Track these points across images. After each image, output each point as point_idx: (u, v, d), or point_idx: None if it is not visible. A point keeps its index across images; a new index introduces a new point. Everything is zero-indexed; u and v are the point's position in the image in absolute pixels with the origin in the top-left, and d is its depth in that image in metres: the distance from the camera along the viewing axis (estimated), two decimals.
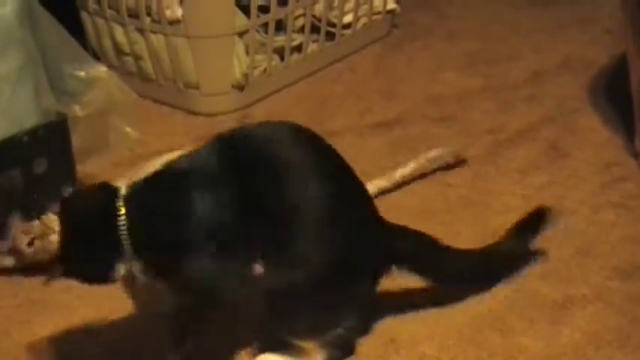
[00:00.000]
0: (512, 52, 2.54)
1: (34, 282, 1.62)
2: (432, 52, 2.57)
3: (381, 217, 1.52)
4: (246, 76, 2.33)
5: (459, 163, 2.04)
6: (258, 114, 2.32)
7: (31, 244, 1.52)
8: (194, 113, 2.33)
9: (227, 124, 2.29)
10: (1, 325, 1.64)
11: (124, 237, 1.31)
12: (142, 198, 1.34)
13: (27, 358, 1.56)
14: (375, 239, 1.48)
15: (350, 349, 1.49)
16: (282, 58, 2.41)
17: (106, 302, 1.61)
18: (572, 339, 1.55)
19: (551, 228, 1.73)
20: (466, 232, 1.84)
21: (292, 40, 2.41)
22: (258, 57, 2.35)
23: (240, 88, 2.34)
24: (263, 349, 1.51)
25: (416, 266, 1.52)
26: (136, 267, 1.33)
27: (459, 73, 2.45)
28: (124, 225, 1.31)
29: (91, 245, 1.32)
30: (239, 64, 2.32)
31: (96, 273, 1.35)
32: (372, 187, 1.93)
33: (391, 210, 1.92)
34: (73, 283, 1.40)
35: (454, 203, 1.94)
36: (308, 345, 1.44)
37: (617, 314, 1.60)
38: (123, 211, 1.31)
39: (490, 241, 1.79)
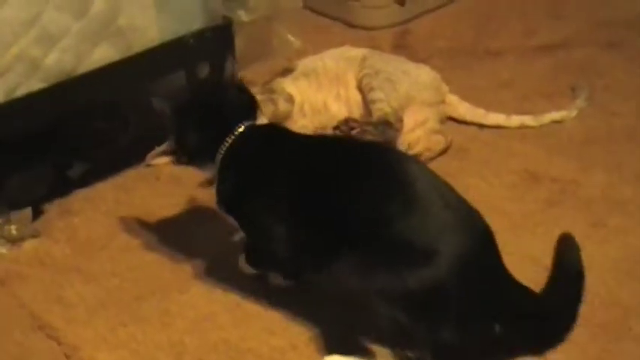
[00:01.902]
0: None
1: None
2: None
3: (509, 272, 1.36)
4: None
5: None
6: (418, 30, 2.27)
7: None
8: (353, 26, 2.30)
9: (385, 38, 2.27)
10: None
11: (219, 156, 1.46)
12: (246, 140, 1.46)
13: None
14: (501, 288, 1.33)
15: None
16: None
17: None
18: None
19: None
20: (629, 164, 1.76)
21: None
22: None
23: (401, 2, 2.29)
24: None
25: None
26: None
27: None
28: (225, 146, 1.45)
29: (201, 138, 1.47)
30: None
31: (194, 157, 1.49)
32: (516, 120, 1.89)
33: (550, 137, 1.88)
34: None
35: (619, 133, 1.85)
36: (382, 353, 1.38)
37: None
38: (230, 138, 1.45)
39: None
